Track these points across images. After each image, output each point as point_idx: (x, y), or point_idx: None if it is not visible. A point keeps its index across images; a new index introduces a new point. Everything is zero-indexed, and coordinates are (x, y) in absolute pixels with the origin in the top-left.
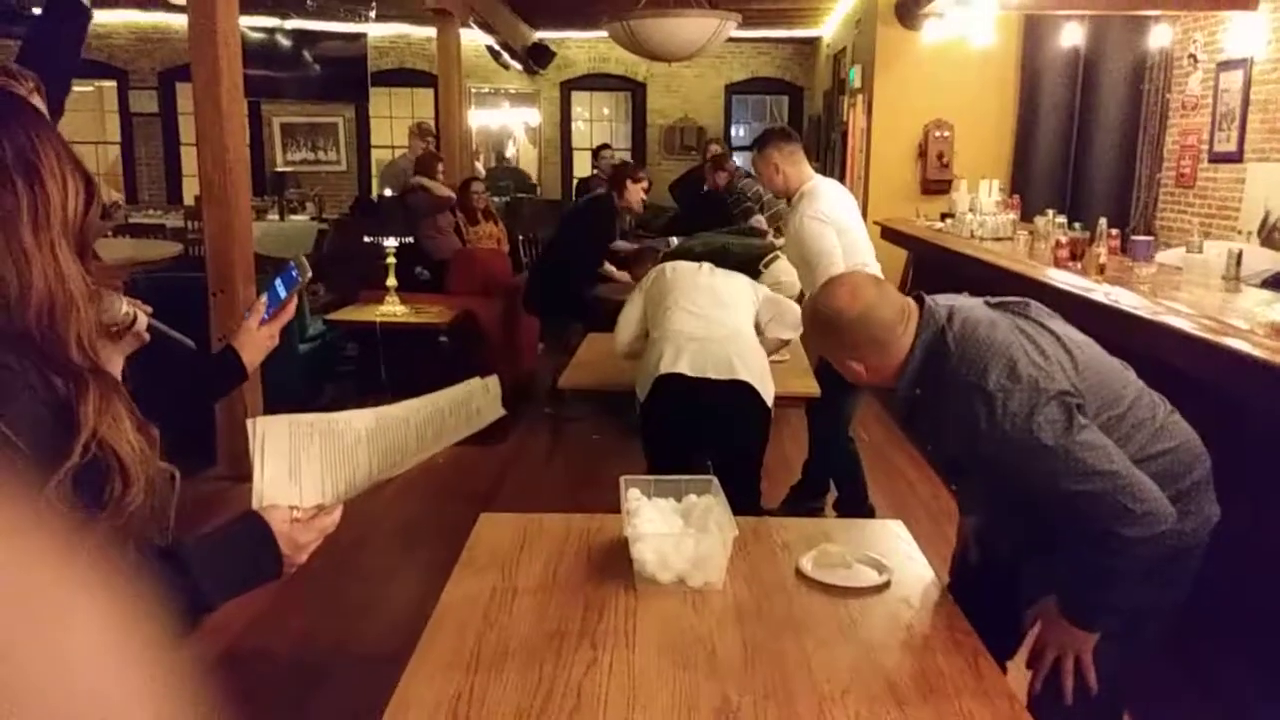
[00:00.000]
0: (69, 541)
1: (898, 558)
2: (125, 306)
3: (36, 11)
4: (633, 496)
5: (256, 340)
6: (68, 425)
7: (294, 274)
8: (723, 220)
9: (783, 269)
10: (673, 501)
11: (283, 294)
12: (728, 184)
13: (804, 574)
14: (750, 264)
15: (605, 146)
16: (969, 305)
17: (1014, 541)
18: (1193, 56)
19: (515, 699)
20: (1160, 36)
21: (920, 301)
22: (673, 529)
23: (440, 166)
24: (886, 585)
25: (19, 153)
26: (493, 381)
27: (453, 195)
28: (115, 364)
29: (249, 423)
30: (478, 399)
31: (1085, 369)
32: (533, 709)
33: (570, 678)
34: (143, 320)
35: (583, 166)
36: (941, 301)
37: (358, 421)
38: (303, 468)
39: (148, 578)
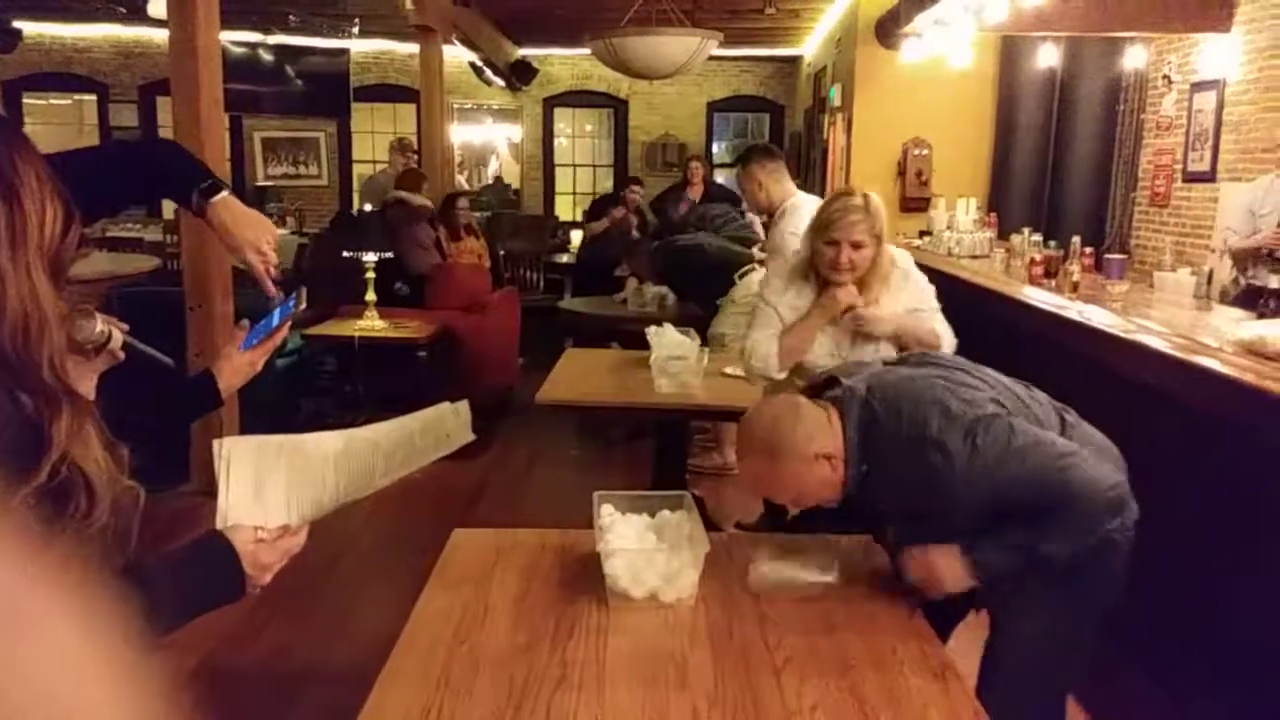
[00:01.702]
0: (32, 554)
1: (867, 572)
2: (100, 325)
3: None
4: (605, 512)
5: (236, 365)
6: (36, 444)
7: (291, 303)
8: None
9: (756, 281)
10: (646, 517)
11: (275, 321)
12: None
13: (752, 586)
14: (725, 269)
15: (637, 183)
16: (878, 372)
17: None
18: (1167, 78)
19: (484, 714)
20: (1135, 58)
21: (832, 384)
22: (645, 545)
23: (425, 185)
24: (831, 584)
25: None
26: (463, 406)
27: (429, 204)
28: (88, 382)
29: (215, 443)
30: (448, 423)
31: (997, 386)
32: None
33: (540, 693)
34: (118, 338)
35: (565, 183)
36: (852, 381)
37: (326, 444)
38: (267, 489)
39: (107, 594)
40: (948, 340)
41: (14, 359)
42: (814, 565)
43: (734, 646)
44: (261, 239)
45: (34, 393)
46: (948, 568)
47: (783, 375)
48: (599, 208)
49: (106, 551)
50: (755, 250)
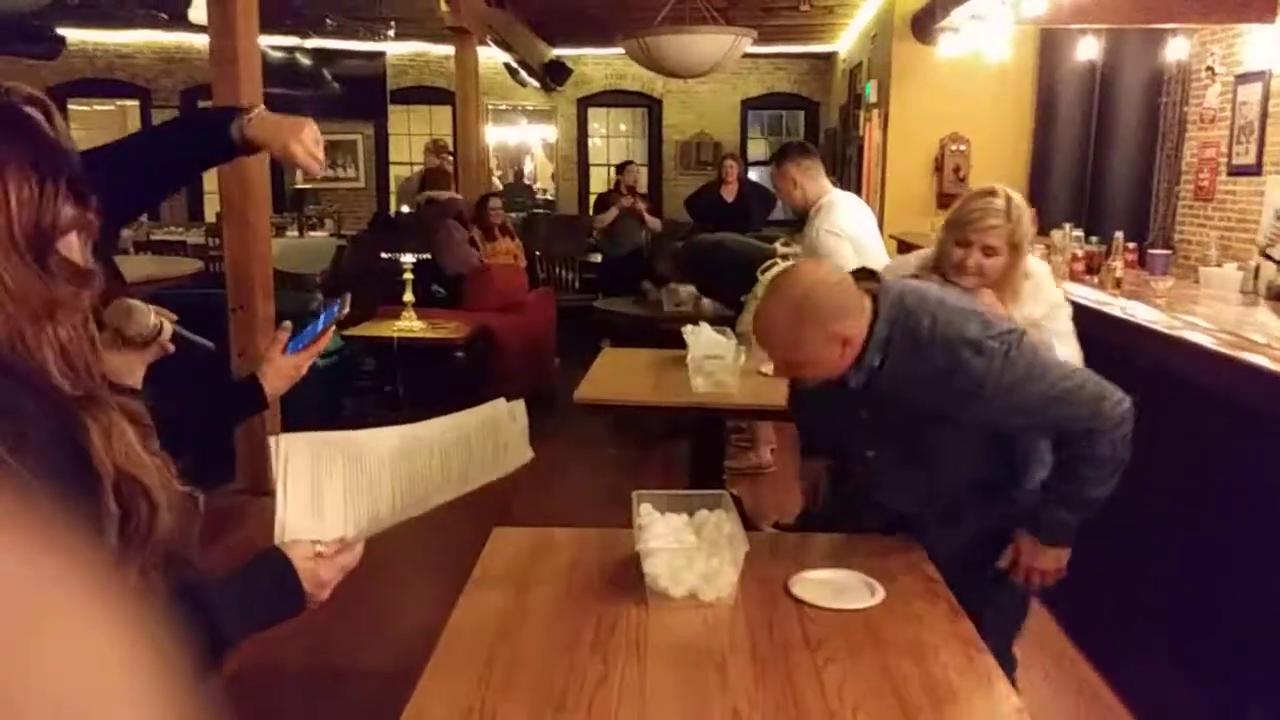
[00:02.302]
0: (105, 578)
1: (911, 574)
2: (153, 317)
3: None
4: (644, 511)
5: (280, 369)
6: (76, 460)
7: (335, 308)
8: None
9: None
10: (685, 517)
11: (319, 326)
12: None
13: (792, 594)
14: (746, 266)
15: (629, 163)
16: (903, 279)
17: (924, 510)
18: (1210, 69)
19: (527, 713)
20: (1177, 49)
21: (872, 276)
22: (685, 544)
23: (449, 184)
24: (877, 607)
25: None
26: (518, 408)
27: (459, 197)
28: (137, 372)
29: (271, 440)
30: (505, 430)
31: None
32: None
33: (582, 691)
34: (168, 329)
35: (599, 183)
36: (891, 280)
37: (382, 443)
38: (325, 495)
39: (170, 614)
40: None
41: (20, 367)
42: (860, 585)
43: (775, 646)
44: (306, 136)
45: (53, 403)
46: (1056, 557)
47: None
48: (603, 203)
49: (169, 566)
50: (778, 245)
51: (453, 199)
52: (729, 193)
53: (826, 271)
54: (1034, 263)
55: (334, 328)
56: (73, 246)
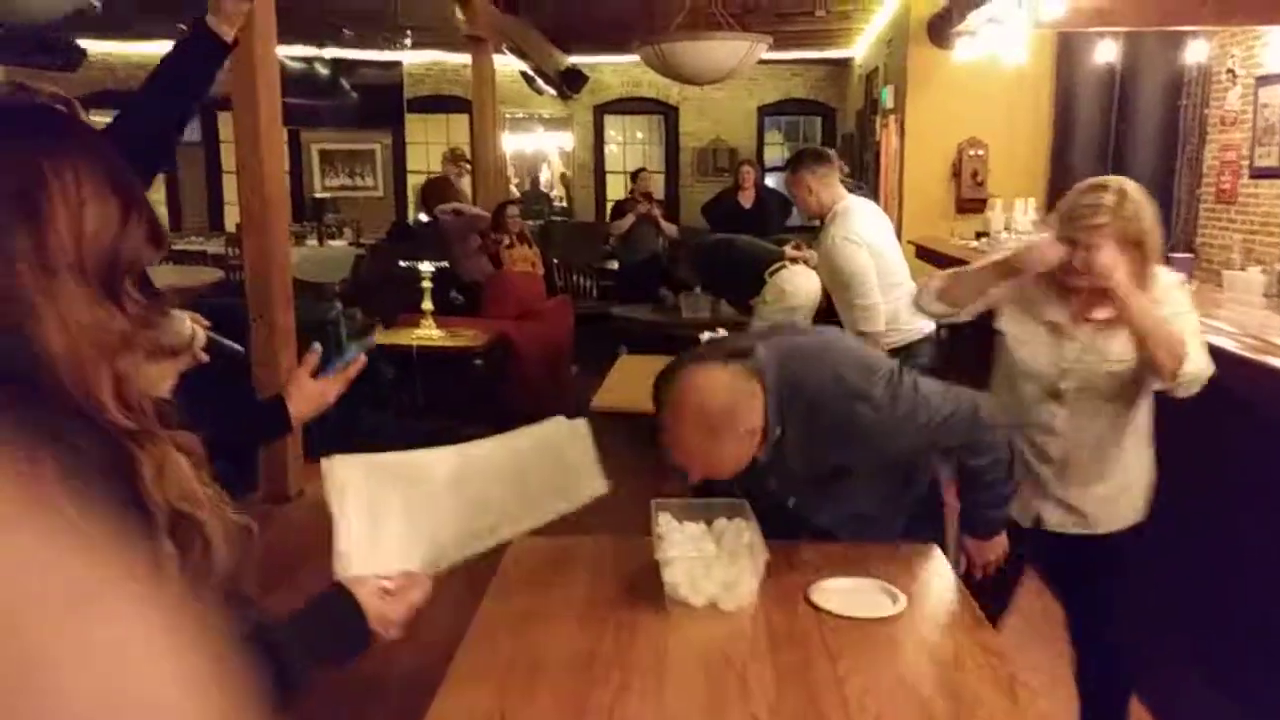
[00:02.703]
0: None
1: (931, 581)
2: (188, 325)
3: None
4: (663, 520)
5: (307, 393)
6: (132, 497)
7: (370, 339)
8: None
9: (786, 278)
10: (703, 525)
11: (349, 356)
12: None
13: (812, 603)
14: (754, 266)
15: (643, 170)
16: (778, 338)
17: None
18: (1231, 71)
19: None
20: (1197, 52)
21: (742, 355)
22: (704, 552)
23: (453, 192)
24: (898, 615)
25: (18, 182)
26: (580, 427)
27: (485, 215)
28: (169, 380)
29: (324, 464)
30: (568, 452)
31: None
32: None
33: (602, 700)
34: (201, 337)
35: (616, 190)
36: (765, 347)
37: (437, 464)
38: (383, 522)
39: (237, 657)
40: (1197, 363)
41: (79, 399)
42: (881, 593)
43: (795, 655)
44: None
45: (107, 438)
46: (996, 545)
47: (935, 308)
48: (619, 210)
49: (230, 604)
50: (787, 249)
51: (480, 215)
52: (746, 199)
53: (715, 379)
54: (1166, 275)
55: (362, 359)
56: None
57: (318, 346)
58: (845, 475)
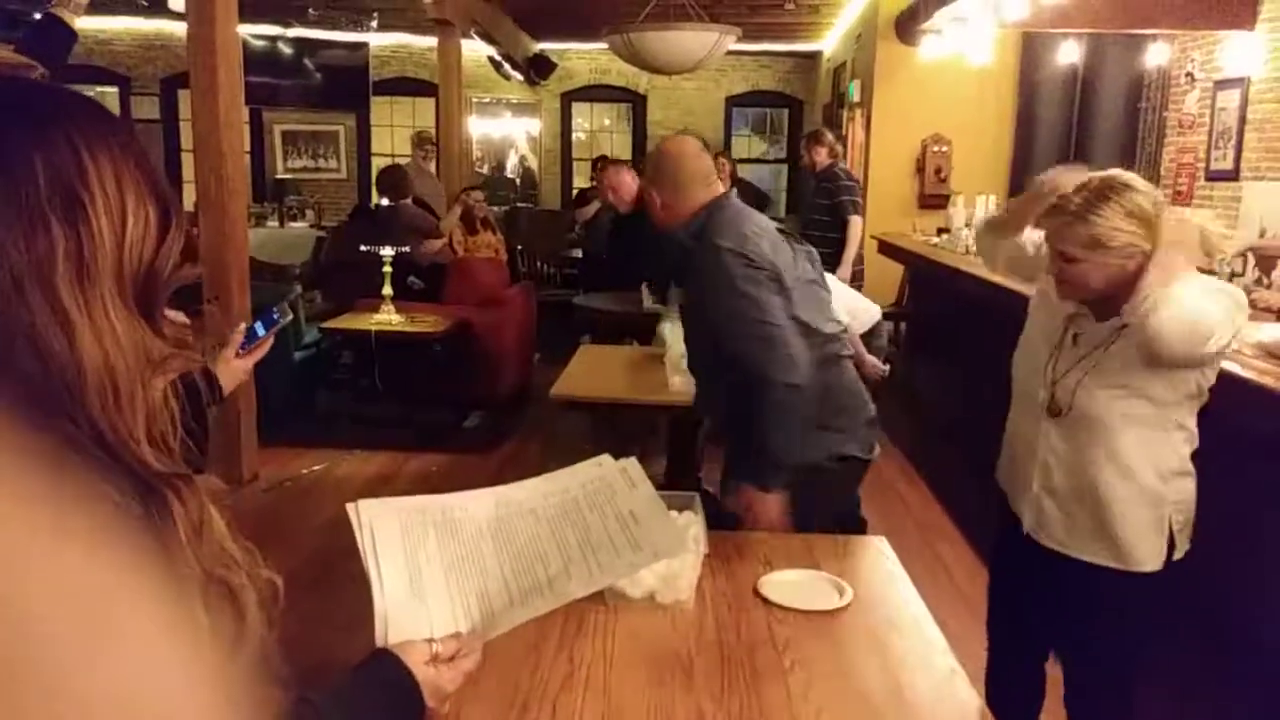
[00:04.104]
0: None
1: (880, 575)
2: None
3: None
4: None
5: (233, 369)
6: (165, 554)
7: (275, 316)
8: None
9: None
10: None
11: (261, 333)
12: (830, 166)
13: (761, 595)
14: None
15: (603, 158)
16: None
17: (718, 416)
18: (1190, 75)
19: (490, 715)
20: (1158, 55)
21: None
22: None
23: (411, 182)
24: (845, 608)
25: (59, 180)
26: (633, 468)
27: (445, 237)
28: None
29: (350, 509)
30: (622, 495)
31: (796, 287)
32: None
33: (546, 692)
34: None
35: (583, 178)
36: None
37: (475, 508)
38: (424, 574)
39: None
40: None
41: (109, 434)
42: (828, 586)
43: (741, 647)
44: None
45: (139, 484)
46: (772, 502)
47: (984, 241)
48: (583, 198)
49: (263, 674)
50: None
51: (430, 223)
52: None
53: (689, 148)
54: (1212, 285)
55: (273, 335)
56: None
57: (244, 326)
58: (701, 342)
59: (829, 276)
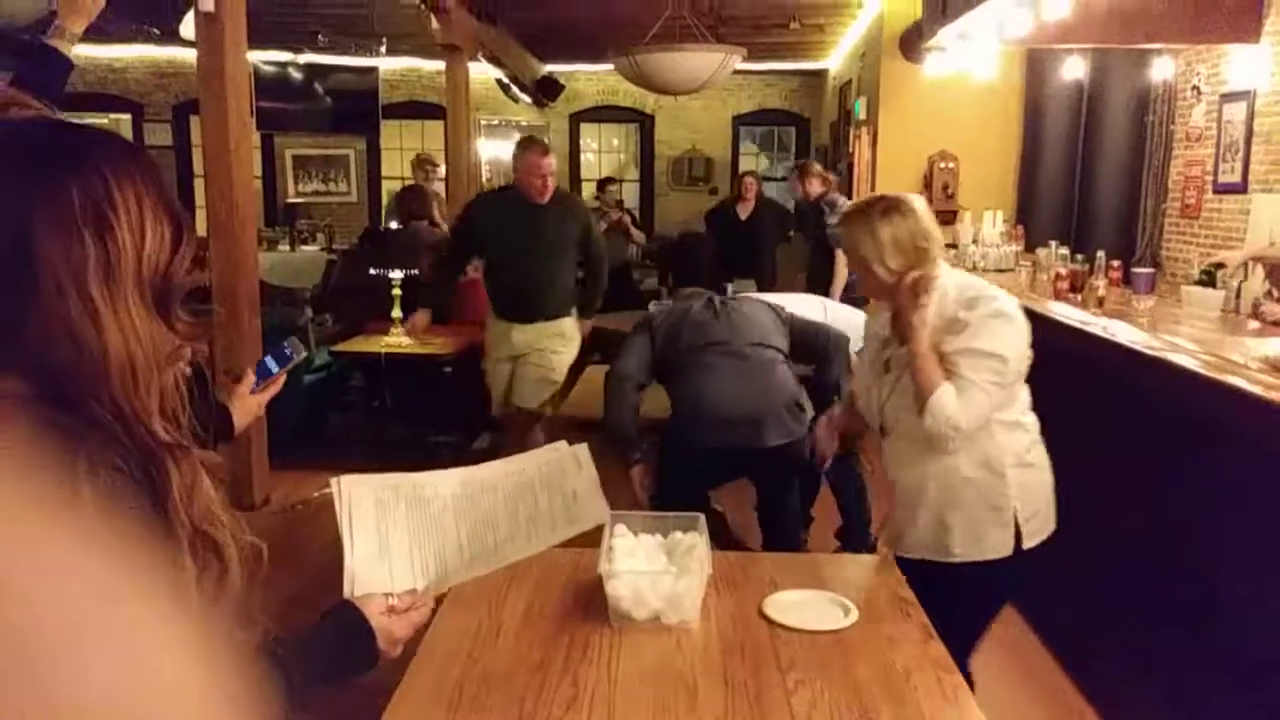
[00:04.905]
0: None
1: (886, 594)
2: None
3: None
4: (618, 532)
5: (247, 405)
6: (157, 515)
7: (287, 352)
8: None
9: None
10: (659, 538)
11: (274, 369)
12: (821, 195)
13: (766, 615)
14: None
15: (610, 180)
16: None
17: None
18: (1196, 89)
19: None
20: (1163, 69)
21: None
22: (655, 565)
23: (430, 200)
24: (850, 627)
25: (90, 201)
26: (582, 453)
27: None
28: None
29: (332, 482)
30: (571, 478)
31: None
32: None
33: (550, 714)
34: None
35: (591, 198)
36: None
37: (444, 486)
38: (391, 541)
39: (248, 671)
40: (944, 405)
41: (127, 410)
42: (833, 606)
43: (745, 668)
44: None
45: (144, 451)
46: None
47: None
48: None
49: (239, 620)
50: (730, 287)
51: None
52: (744, 210)
53: None
54: (978, 287)
55: (286, 372)
56: None
57: (252, 373)
58: None
59: (824, 300)
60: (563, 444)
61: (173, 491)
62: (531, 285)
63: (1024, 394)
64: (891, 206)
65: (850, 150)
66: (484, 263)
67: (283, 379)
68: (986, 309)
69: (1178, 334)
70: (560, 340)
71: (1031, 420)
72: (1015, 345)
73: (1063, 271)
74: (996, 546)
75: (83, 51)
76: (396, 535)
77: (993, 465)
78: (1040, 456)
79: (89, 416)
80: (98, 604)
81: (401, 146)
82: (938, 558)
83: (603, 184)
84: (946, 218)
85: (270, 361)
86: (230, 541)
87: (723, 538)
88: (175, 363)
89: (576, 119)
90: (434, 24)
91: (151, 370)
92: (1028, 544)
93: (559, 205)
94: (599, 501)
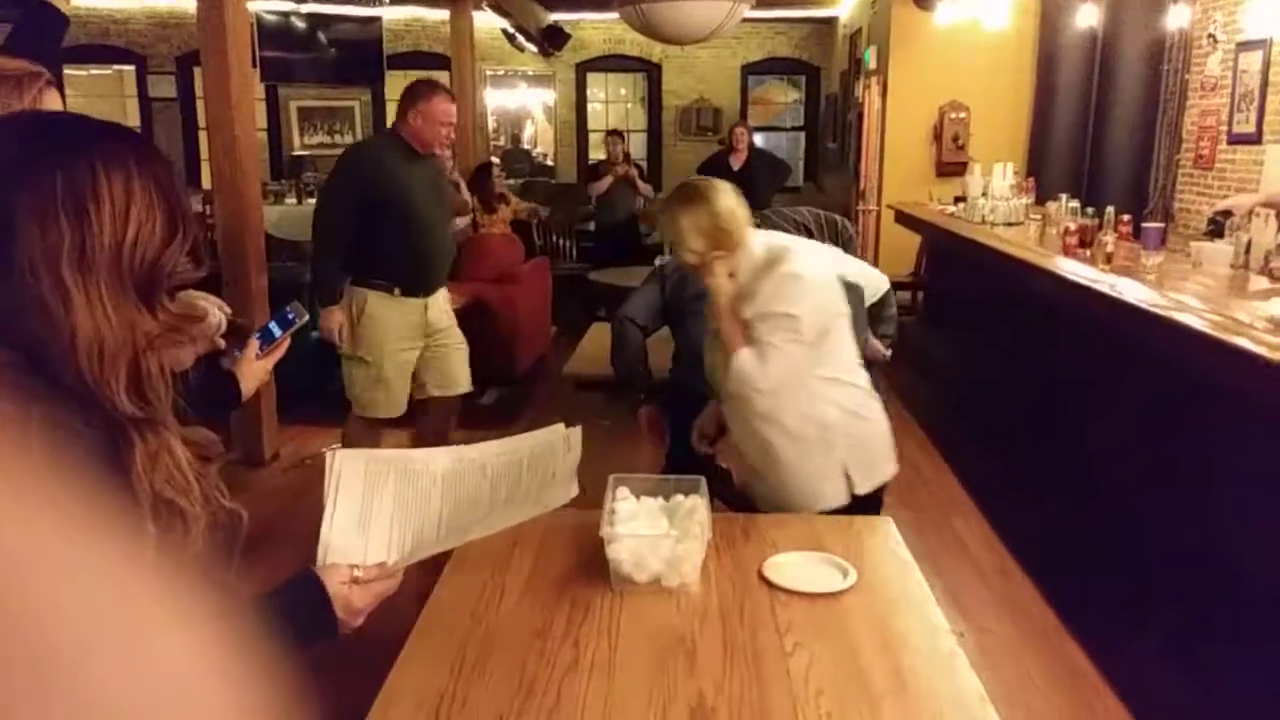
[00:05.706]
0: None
1: (885, 556)
2: (215, 313)
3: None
4: (619, 495)
5: (253, 370)
6: (122, 480)
7: (290, 316)
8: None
9: None
10: (660, 500)
11: (277, 334)
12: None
13: (765, 578)
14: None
15: (617, 133)
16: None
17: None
18: (1212, 37)
19: (496, 699)
20: (1179, 16)
21: None
22: (656, 529)
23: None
24: (848, 589)
25: (72, 187)
26: (575, 436)
27: (469, 206)
28: (187, 361)
29: (327, 454)
30: (557, 459)
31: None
32: (512, 709)
33: (551, 677)
34: (223, 323)
35: (599, 149)
36: None
37: (435, 463)
38: (373, 513)
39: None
40: (747, 371)
41: (93, 384)
42: (833, 568)
43: (744, 631)
44: None
45: (105, 422)
46: None
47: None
48: (596, 171)
49: (208, 573)
50: None
51: (466, 204)
52: (736, 161)
53: None
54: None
55: (290, 336)
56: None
57: (257, 337)
58: None
59: (836, 251)
60: (560, 426)
61: (136, 460)
62: (441, 248)
63: (847, 350)
64: (692, 195)
65: (860, 100)
66: (372, 228)
67: (287, 343)
68: (778, 271)
69: (1184, 291)
70: (449, 303)
71: (862, 376)
72: (808, 303)
73: (1072, 226)
74: (831, 497)
75: (84, 3)
76: (380, 508)
77: (817, 420)
78: (874, 409)
79: (60, 384)
80: (32, 546)
81: None
82: (783, 510)
83: (609, 136)
84: (956, 169)
85: (274, 326)
86: (196, 509)
87: (728, 492)
88: (158, 350)
89: (583, 68)
90: None
91: (122, 349)
92: (860, 490)
93: (430, 152)
94: (570, 483)
